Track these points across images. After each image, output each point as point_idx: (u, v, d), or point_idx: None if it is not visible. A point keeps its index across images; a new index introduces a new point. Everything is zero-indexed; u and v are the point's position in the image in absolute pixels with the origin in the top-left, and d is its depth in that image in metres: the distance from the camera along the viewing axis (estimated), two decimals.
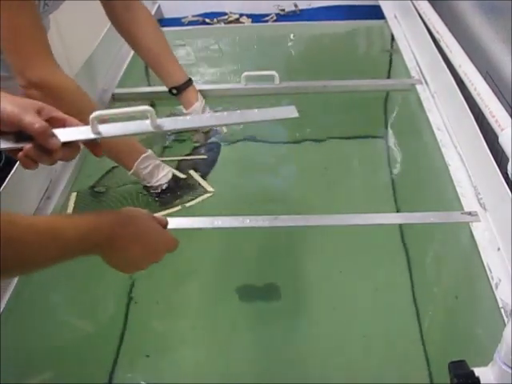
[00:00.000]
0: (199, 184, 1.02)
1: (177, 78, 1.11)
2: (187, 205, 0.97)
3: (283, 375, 0.73)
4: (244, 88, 1.27)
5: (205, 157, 1.07)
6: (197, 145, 1.14)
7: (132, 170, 0.95)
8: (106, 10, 1.06)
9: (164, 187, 0.98)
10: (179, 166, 1.07)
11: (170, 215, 0.93)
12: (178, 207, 0.97)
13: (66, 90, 0.85)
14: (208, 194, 1.00)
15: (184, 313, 0.82)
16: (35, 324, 0.81)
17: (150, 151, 0.97)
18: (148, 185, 0.98)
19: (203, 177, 1.04)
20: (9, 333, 0.76)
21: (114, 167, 1.04)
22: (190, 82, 1.13)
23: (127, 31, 1.09)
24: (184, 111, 1.15)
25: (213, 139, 1.15)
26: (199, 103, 1.13)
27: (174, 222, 0.69)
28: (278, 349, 0.76)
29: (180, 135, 1.17)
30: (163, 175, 0.99)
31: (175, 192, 0.99)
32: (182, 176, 1.03)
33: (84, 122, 0.86)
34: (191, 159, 1.09)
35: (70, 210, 0.94)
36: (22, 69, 0.80)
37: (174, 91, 1.12)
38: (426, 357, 0.72)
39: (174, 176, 1.01)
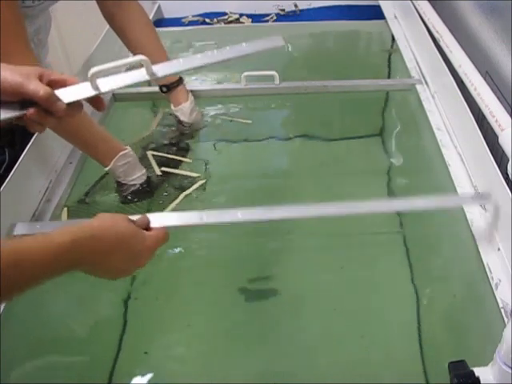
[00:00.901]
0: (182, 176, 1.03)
1: (168, 77, 1.12)
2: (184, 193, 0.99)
3: (282, 375, 0.73)
4: (244, 88, 1.27)
5: (159, 173, 1.05)
6: (170, 141, 1.15)
7: (108, 167, 0.96)
8: (100, 8, 1.07)
9: (136, 188, 0.99)
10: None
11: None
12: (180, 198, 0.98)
13: None
14: (201, 182, 1.02)
15: (183, 310, 0.82)
16: (35, 324, 0.80)
17: (128, 148, 0.98)
18: (122, 182, 0.99)
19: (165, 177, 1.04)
20: (9, 333, 0.76)
21: (106, 174, 1.04)
22: (180, 81, 1.14)
23: (120, 28, 1.10)
24: (172, 108, 1.16)
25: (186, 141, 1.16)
26: (188, 103, 1.14)
27: (158, 220, 0.67)
28: (277, 348, 0.76)
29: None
30: (138, 176, 1.00)
31: (147, 193, 0.99)
32: (158, 173, 1.04)
33: (65, 122, 0.87)
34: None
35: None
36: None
37: (164, 89, 1.14)
38: (426, 357, 0.72)
39: (149, 178, 1.01)
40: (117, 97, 1.30)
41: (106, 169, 0.97)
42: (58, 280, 0.85)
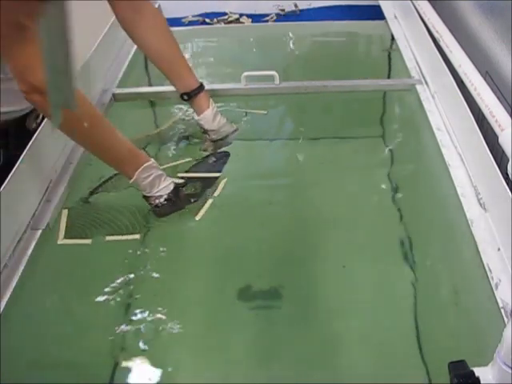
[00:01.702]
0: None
1: (188, 84, 1.10)
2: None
3: (281, 375, 0.73)
4: (244, 88, 1.28)
5: (181, 181, 1.04)
6: (205, 153, 1.12)
7: (133, 179, 0.93)
8: (114, 12, 1.04)
9: (163, 199, 0.96)
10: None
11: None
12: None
13: None
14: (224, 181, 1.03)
15: (182, 308, 0.82)
16: (35, 323, 0.80)
17: (152, 160, 0.95)
18: (147, 195, 0.96)
19: (204, 189, 1.03)
20: (9, 333, 0.76)
21: (110, 177, 1.03)
22: (201, 87, 1.11)
23: (139, 37, 1.07)
24: (195, 117, 1.14)
25: (222, 148, 1.13)
26: (210, 110, 1.12)
27: None
28: (277, 348, 0.76)
29: (190, 141, 1.17)
30: (164, 186, 0.96)
31: (175, 203, 0.97)
32: (181, 181, 1.02)
33: (87, 130, 0.87)
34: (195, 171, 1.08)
35: (62, 226, 0.93)
36: (23, 74, 0.79)
37: (185, 97, 1.11)
38: (426, 357, 0.72)
39: (176, 188, 0.98)
40: (117, 97, 1.30)
41: (130, 181, 0.94)
42: (58, 280, 0.86)
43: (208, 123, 1.12)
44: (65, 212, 0.96)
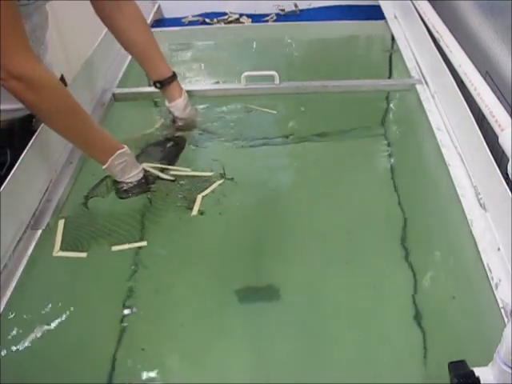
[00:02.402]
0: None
1: (161, 73, 1.13)
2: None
3: (280, 374, 0.73)
4: (244, 88, 1.28)
5: (172, 178, 1.04)
6: (165, 137, 1.16)
7: (106, 165, 0.96)
8: (93, 7, 1.07)
9: (132, 185, 1.00)
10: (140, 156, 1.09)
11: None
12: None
13: (47, 83, 0.85)
14: (219, 182, 1.02)
15: (182, 306, 0.82)
16: (35, 323, 0.80)
17: (126, 147, 0.98)
18: (119, 180, 1.00)
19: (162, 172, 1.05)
20: (9, 333, 0.76)
21: (105, 177, 1.03)
22: (174, 77, 1.15)
23: (114, 26, 1.10)
24: (167, 104, 1.17)
25: (179, 133, 1.17)
26: (182, 99, 1.15)
27: None
28: (276, 347, 0.76)
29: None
30: (134, 174, 1.00)
31: (142, 187, 1.00)
32: (170, 178, 1.03)
33: (64, 116, 0.88)
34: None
35: (58, 238, 0.92)
36: (1, 60, 0.81)
37: (158, 85, 1.14)
38: (426, 356, 0.72)
39: (145, 176, 1.02)
40: (117, 96, 1.30)
41: (103, 167, 0.97)
42: (57, 280, 0.86)
43: (179, 111, 1.17)
44: (61, 222, 0.94)
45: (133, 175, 1.00)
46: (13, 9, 0.81)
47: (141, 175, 1.02)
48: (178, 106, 1.16)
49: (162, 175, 1.03)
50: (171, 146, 1.13)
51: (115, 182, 1.01)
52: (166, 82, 1.14)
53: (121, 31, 1.10)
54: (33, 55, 0.85)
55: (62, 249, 0.90)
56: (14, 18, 0.81)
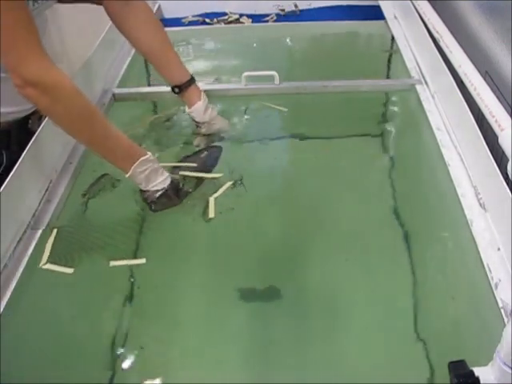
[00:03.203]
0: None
1: (179, 77, 1.10)
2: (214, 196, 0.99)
3: (280, 373, 0.73)
4: (244, 88, 1.28)
5: (194, 165, 1.04)
6: (197, 148, 1.12)
7: (129, 173, 0.92)
8: (106, 10, 1.05)
9: (159, 194, 0.95)
10: (173, 170, 1.05)
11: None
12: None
13: (63, 88, 0.83)
14: (229, 183, 1.01)
15: (182, 304, 0.83)
16: (35, 323, 0.81)
17: (149, 154, 0.94)
18: (144, 189, 0.96)
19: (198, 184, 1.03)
20: (9, 333, 0.76)
21: (103, 175, 1.03)
22: (192, 80, 1.12)
23: (128, 30, 1.07)
24: (187, 110, 1.15)
25: (215, 143, 1.14)
26: (201, 102, 1.12)
27: None
28: (276, 347, 0.76)
29: (181, 138, 1.17)
30: (161, 181, 0.96)
31: (170, 199, 0.97)
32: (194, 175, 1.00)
33: (82, 123, 0.87)
34: (186, 165, 1.07)
35: (48, 247, 0.90)
36: (16, 67, 0.79)
37: (177, 90, 1.11)
38: (426, 356, 0.72)
39: (172, 182, 0.98)
40: (117, 96, 1.30)
41: (127, 175, 0.93)
42: (58, 279, 0.86)
43: (199, 115, 1.13)
44: (54, 232, 0.92)
45: (158, 182, 0.95)
46: (25, 11, 0.79)
47: (167, 183, 0.96)
48: (198, 109, 1.12)
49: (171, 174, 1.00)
50: (205, 156, 1.09)
51: (141, 192, 0.96)
52: (184, 87, 1.10)
53: (134, 35, 1.07)
54: (47, 59, 0.83)
55: (52, 259, 0.87)
56: (27, 21, 0.79)
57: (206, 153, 1.11)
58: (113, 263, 0.86)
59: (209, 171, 1.05)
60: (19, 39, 0.78)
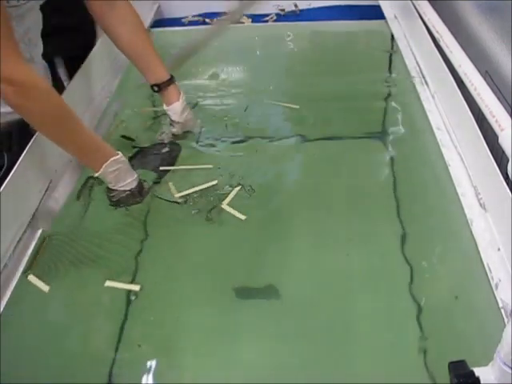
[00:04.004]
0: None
1: (158, 76, 1.11)
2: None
3: (280, 372, 0.73)
4: None
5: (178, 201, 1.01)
6: (159, 141, 1.15)
7: (99, 172, 0.94)
8: (88, 8, 1.05)
9: (126, 194, 0.98)
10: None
11: None
12: None
13: (37, 86, 0.84)
14: (237, 188, 1.01)
15: (182, 304, 0.83)
16: (35, 323, 0.81)
17: (120, 154, 0.96)
18: (112, 188, 0.98)
19: (160, 177, 1.05)
20: (9, 333, 0.76)
21: (88, 178, 1.03)
22: (171, 80, 1.13)
23: (110, 28, 1.08)
24: (164, 107, 1.16)
25: (175, 140, 1.16)
26: (179, 103, 1.13)
27: None
28: (276, 346, 0.76)
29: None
30: (129, 181, 0.98)
31: (135, 197, 0.99)
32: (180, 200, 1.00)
33: (54, 121, 0.87)
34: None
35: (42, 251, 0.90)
36: None
37: (156, 88, 1.13)
38: (427, 356, 0.72)
39: (140, 183, 1.00)
40: (116, 96, 1.30)
41: (96, 175, 0.95)
42: (57, 279, 0.86)
43: (176, 115, 1.14)
44: (46, 240, 0.92)
45: (127, 183, 0.98)
46: (1, 12, 0.79)
47: (135, 183, 0.99)
48: (176, 109, 1.13)
49: (170, 199, 1.00)
50: (166, 152, 1.12)
51: (108, 190, 0.98)
52: (163, 86, 1.12)
53: (115, 33, 1.08)
54: (23, 59, 0.83)
55: (35, 271, 0.86)
56: (2, 20, 0.79)
57: (167, 149, 1.13)
58: (108, 283, 0.84)
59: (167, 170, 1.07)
60: None
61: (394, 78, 1.38)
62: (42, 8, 1.01)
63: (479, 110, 0.88)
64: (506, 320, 0.72)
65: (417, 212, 0.97)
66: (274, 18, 1.71)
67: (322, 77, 1.31)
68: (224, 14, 1.65)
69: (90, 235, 0.94)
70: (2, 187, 0.84)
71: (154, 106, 1.27)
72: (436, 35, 1.16)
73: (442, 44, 1.11)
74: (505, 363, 0.56)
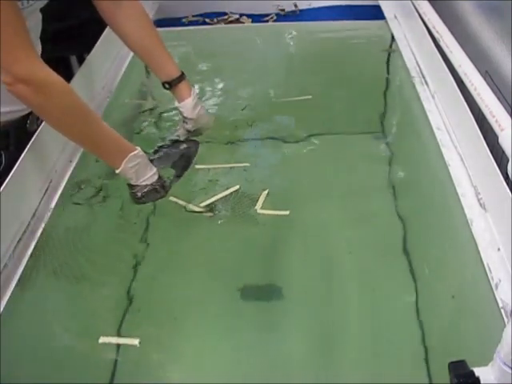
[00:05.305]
0: None
1: (169, 73, 1.11)
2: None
3: (281, 370, 0.73)
4: None
5: (202, 210, 1.01)
6: (177, 138, 1.15)
7: (120, 169, 0.94)
8: (96, 7, 1.05)
9: (147, 189, 0.97)
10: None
11: None
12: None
13: (54, 84, 0.84)
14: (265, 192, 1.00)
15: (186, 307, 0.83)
16: (35, 323, 0.81)
17: (138, 149, 0.96)
18: (133, 184, 0.97)
19: (179, 176, 1.05)
20: (9, 333, 0.76)
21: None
22: (182, 76, 1.12)
23: (119, 28, 1.08)
24: (176, 104, 1.15)
25: (194, 138, 1.15)
26: (191, 99, 1.12)
27: None
28: (276, 344, 0.76)
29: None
30: (150, 175, 0.97)
31: (157, 191, 0.98)
32: (201, 210, 0.99)
33: (72, 120, 0.87)
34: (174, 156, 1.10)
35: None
36: (6, 65, 0.79)
37: (167, 86, 1.12)
38: (426, 356, 0.72)
39: (160, 177, 1.00)
40: (116, 97, 1.30)
41: (117, 171, 0.94)
42: (57, 280, 0.86)
43: (188, 111, 1.13)
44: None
45: (148, 177, 0.97)
46: (15, 9, 0.79)
47: (156, 177, 0.98)
48: (187, 106, 1.12)
49: (191, 207, 0.99)
50: (184, 149, 1.12)
51: (130, 187, 0.98)
52: (173, 83, 1.11)
53: (124, 31, 1.08)
54: (37, 57, 0.83)
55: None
56: (16, 20, 0.80)
57: (185, 145, 1.13)
58: (102, 339, 0.77)
59: (187, 165, 1.08)
60: (9, 37, 0.78)
61: (393, 77, 1.38)
62: (42, 10, 1.01)
63: (479, 109, 0.88)
64: (506, 320, 0.72)
65: (417, 212, 0.97)
66: (274, 17, 1.71)
67: (322, 76, 1.31)
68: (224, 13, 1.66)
69: (90, 235, 0.94)
70: (2, 187, 0.84)
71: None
72: (436, 35, 1.16)
73: (442, 44, 1.11)
74: (505, 363, 0.56)
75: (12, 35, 0.79)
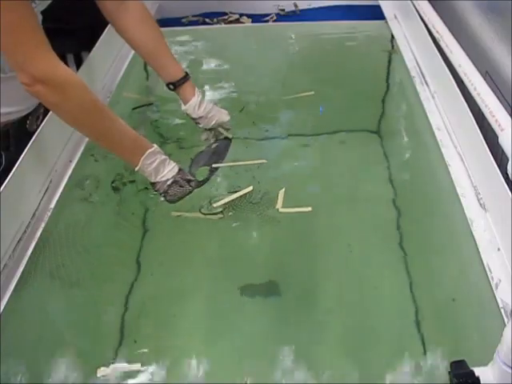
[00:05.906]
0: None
1: (173, 74, 1.11)
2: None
3: (281, 369, 0.73)
4: None
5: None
6: (208, 142, 1.15)
7: (138, 166, 0.93)
8: (101, 8, 1.05)
9: (169, 183, 0.97)
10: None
11: None
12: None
13: (72, 83, 0.84)
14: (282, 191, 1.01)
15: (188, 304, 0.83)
16: (35, 323, 0.81)
17: (155, 146, 0.95)
18: (153, 181, 0.97)
19: (212, 171, 1.07)
20: (9, 332, 0.77)
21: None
22: (186, 77, 1.12)
23: (123, 29, 1.07)
24: (182, 108, 1.15)
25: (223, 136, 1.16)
26: (195, 98, 1.12)
27: None
28: (276, 342, 0.76)
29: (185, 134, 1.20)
30: (168, 170, 0.97)
31: (183, 188, 0.98)
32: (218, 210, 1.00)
33: (91, 118, 0.87)
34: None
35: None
36: (24, 65, 0.79)
37: (171, 87, 1.12)
38: (426, 356, 0.72)
39: (180, 170, 0.99)
40: (116, 97, 1.30)
41: (136, 169, 0.94)
42: (58, 279, 0.86)
43: (194, 111, 1.13)
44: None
45: (167, 172, 0.97)
46: (30, 10, 0.79)
47: (176, 170, 0.98)
48: (192, 105, 1.12)
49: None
50: (215, 147, 1.13)
51: (152, 185, 0.97)
52: (178, 84, 1.11)
53: (129, 33, 1.08)
54: (54, 56, 0.82)
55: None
56: (33, 20, 0.79)
57: (216, 144, 1.14)
58: (100, 373, 0.74)
59: (220, 159, 1.10)
60: (26, 38, 0.78)
61: (393, 77, 1.38)
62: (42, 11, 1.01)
63: (479, 109, 0.88)
64: (506, 320, 0.72)
65: (417, 212, 0.97)
66: (274, 17, 1.71)
67: (322, 77, 1.31)
68: (224, 13, 1.66)
69: (91, 235, 0.94)
70: (2, 187, 0.84)
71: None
72: (436, 35, 1.16)
73: (442, 44, 1.12)
74: (505, 363, 0.56)
75: (28, 36, 0.78)
